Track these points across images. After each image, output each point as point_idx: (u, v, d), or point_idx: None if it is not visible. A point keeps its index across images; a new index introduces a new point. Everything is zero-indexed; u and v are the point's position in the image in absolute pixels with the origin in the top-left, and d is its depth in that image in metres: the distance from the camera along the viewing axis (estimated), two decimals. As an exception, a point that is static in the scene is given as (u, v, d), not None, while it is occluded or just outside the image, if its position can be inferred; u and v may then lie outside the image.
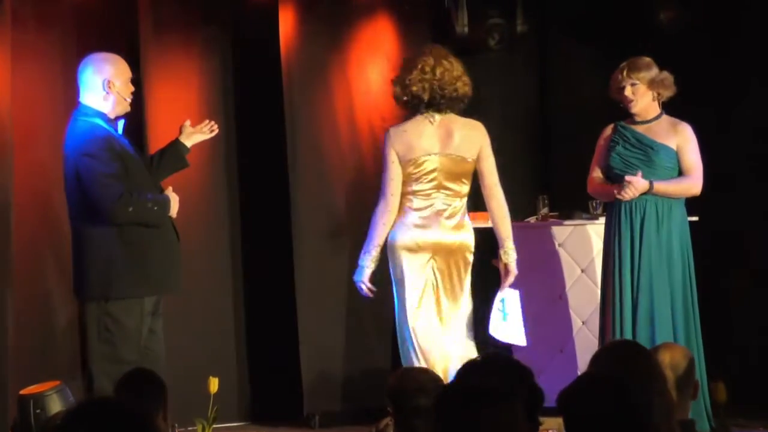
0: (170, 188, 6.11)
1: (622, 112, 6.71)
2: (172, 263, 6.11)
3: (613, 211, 6.63)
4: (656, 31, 7.77)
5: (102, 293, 5.93)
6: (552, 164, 8.35)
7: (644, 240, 6.48)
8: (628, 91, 6.54)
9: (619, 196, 6.48)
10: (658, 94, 6.56)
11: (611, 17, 7.99)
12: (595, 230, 7.34)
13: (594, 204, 7.34)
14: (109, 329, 5.93)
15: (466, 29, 7.93)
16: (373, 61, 7.97)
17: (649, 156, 6.52)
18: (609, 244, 6.65)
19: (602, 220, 7.17)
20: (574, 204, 7.47)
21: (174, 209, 6.06)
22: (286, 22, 7.74)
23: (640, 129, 6.59)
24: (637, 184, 6.44)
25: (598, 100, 7.22)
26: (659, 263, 6.49)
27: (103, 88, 5.96)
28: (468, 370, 3.72)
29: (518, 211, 7.79)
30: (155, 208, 5.96)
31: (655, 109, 6.60)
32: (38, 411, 5.82)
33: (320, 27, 7.84)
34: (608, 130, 6.68)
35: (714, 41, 7.77)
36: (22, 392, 5.90)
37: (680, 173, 6.57)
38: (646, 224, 6.48)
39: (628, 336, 6.40)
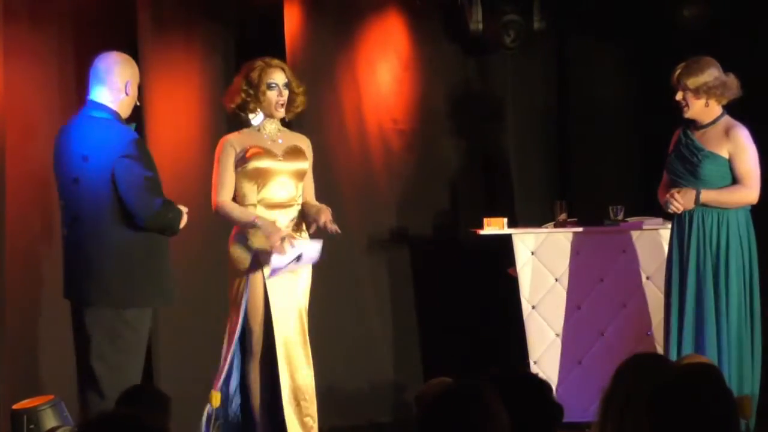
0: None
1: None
2: (171, 273, 6.05)
3: (672, 222, 6.56)
4: (680, 28, 7.69)
5: (123, 301, 5.83)
6: (571, 168, 8.24)
7: (690, 254, 6.39)
8: (679, 96, 6.46)
9: (668, 210, 6.43)
10: (716, 99, 6.33)
11: (633, 13, 7.89)
12: (616, 237, 7.26)
13: (615, 209, 7.25)
14: (125, 337, 5.83)
15: (480, 26, 7.84)
16: (383, 60, 7.96)
17: (694, 165, 6.39)
18: (668, 256, 6.58)
19: (623, 225, 7.19)
20: (594, 209, 7.29)
21: (182, 222, 6.03)
22: (292, 20, 7.68)
23: (697, 135, 6.49)
24: (680, 198, 6.30)
25: (619, 101, 7.10)
26: (705, 277, 6.37)
27: (125, 90, 5.92)
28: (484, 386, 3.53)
29: (535, 216, 7.65)
30: (178, 217, 5.94)
31: (711, 114, 6.47)
32: (32, 426, 5.84)
33: (327, 24, 7.79)
34: (675, 135, 6.60)
35: (739, 38, 7.65)
36: (14, 407, 6.05)
37: (734, 181, 6.36)
38: (693, 237, 6.38)
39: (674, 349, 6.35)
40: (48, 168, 6.44)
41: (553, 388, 3.68)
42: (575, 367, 7.30)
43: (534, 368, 7.17)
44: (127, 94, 5.91)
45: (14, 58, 6.90)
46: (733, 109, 6.65)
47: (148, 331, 5.93)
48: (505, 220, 7.45)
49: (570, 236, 7.31)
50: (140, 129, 7.17)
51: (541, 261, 7.32)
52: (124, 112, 5.95)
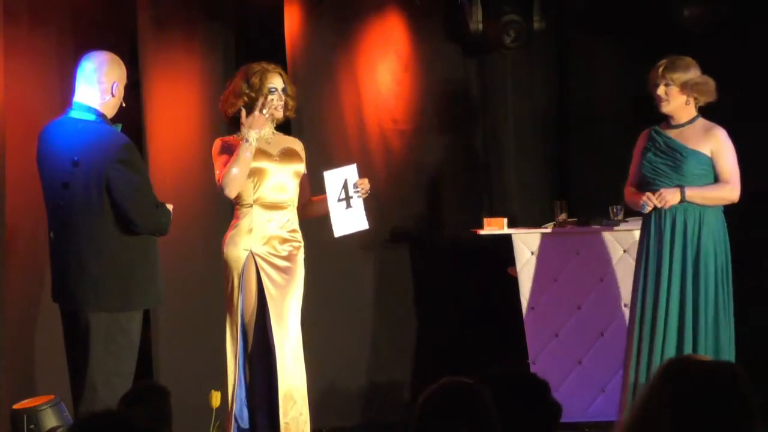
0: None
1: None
2: (160, 273, 6.02)
3: (645, 220, 6.48)
4: (680, 28, 7.66)
5: (120, 305, 5.79)
6: (570, 168, 8.21)
7: (674, 254, 6.31)
8: (660, 90, 6.40)
9: (640, 209, 6.36)
10: (695, 99, 6.32)
11: (633, 13, 7.87)
12: (615, 237, 7.24)
13: (615, 209, 7.23)
14: (118, 341, 5.79)
15: (480, 26, 7.83)
16: (383, 60, 7.92)
17: (678, 162, 6.36)
18: (639, 255, 6.50)
19: (623, 226, 7.16)
20: (594, 209, 7.30)
21: None
22: (292, 20, 7.66)
23: (672, 134, 6.45)
24: (663, 197, 6.25)
25: (618, 101, 7.09)
26: (688, 277, 6.31)
27: (111, 91, 5.86)
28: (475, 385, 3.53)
29: (535, 217, 7.63)
30: (169, 218, 5.93)
31: (689, 113, 6.44)
32: (32, 426, 5.91)
33: (327, 24, 7.77)
34: (644, 135, 6.56)
35: (741, 39, 7.63)
36: (15, 406, 5.99)
37: (716, 179, 6.34)
38: (677, 237, 6.32)
39: (644, 351, 6.27)
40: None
41: (553, 388, 3.67)
42: (575, 367, 7.29)
43: (534, 368, 7.16)
44: (113, 95, 5.84)
45: (14, 58, 6.87)
46: (732, 108, 6.65)
47: (139, 333, 5.88)
48: (505, 220, 7.44)
49: (570, 236, 7.31)
50: (140, 129, 7.18)
51: (541, 261, 7.31)
52: (110, 113, 5.88)
